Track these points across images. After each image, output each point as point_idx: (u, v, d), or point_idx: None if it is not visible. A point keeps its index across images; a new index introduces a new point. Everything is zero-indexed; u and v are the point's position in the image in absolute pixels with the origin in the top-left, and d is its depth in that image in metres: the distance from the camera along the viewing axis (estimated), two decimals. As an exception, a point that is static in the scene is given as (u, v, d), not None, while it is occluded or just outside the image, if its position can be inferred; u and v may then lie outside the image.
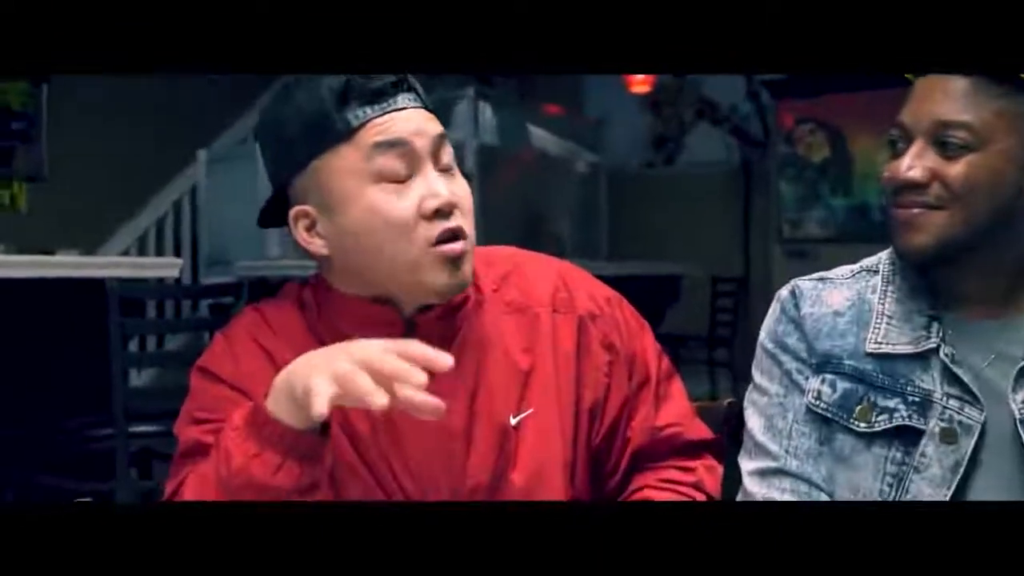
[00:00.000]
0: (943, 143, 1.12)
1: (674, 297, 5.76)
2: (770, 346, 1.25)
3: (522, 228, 5.41)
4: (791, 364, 1.22)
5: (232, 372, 1.19)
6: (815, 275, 1.27)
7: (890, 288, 1.22)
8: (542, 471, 1.21)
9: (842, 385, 1.19)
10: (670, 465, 1.27)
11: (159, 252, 5.56)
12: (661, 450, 1.28)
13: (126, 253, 5.42)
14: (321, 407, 0.97)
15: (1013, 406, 1.13)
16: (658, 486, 1.25)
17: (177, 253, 5.48)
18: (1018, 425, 1.12)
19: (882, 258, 1.25)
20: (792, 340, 1.23)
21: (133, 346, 4.68)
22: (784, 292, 1.26)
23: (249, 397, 1.11)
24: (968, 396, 1.14)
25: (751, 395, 1.26)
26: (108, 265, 3.39)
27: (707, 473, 1.28)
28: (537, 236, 5.34)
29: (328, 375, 0.98)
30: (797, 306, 1.24)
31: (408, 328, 1.19)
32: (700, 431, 1.31)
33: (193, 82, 5.15)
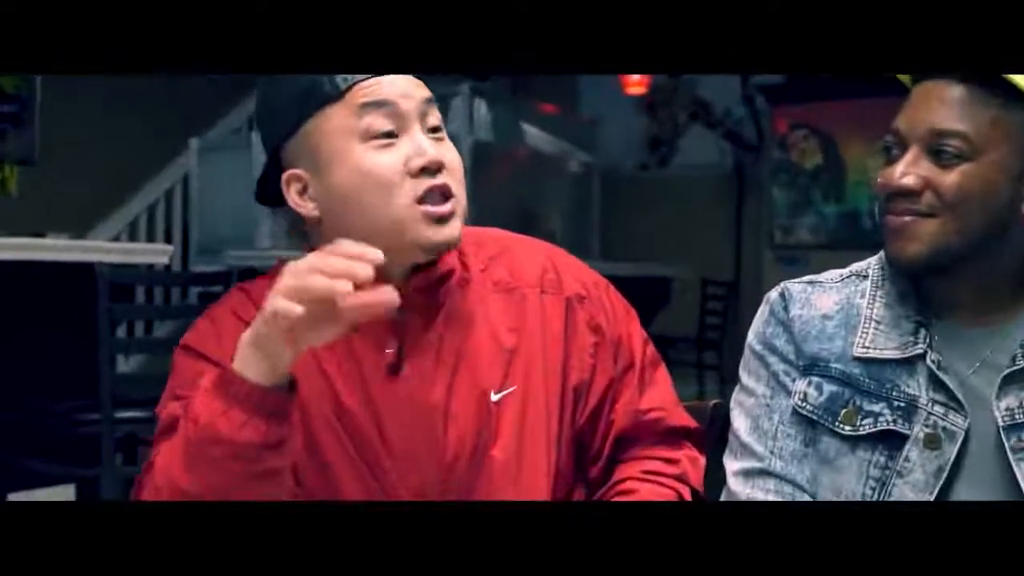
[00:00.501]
0: (937, 151, 1.12)
1: (664, 299, 5.77)
2: (758, 347, 1.25)
3: (514, 225, 5.39)
4: (778, 366, 1.23)
5: (215, 349, 1.20)
6: (804, 278, 1.28)
7: (879, 293, 1.22)
8: (523, 448, 1.22)
9: (828, 388, 1.19)
10: (654, 456, 1.28)
11: (150, 239, 5.54)
12: (644, 435, 1.29)
13: (116, 239, 5.40)
14: (292, 310, 0.97)
15: (997, 413, 1.13)
16: (642, 478, 1.26)
17: (168, 240, 5.47)
18: (1001, 432, 1.13)
19: (871, 263, 1.26)
20: (780, 342, 1.23)
21: (121, 332, 4.67)
22: (773, 294, 1.27)
23: None
24: (953, 403, 1.15)
25: (738, 396, 1.26)
26: (98, 250, 3.38)
27: (691, 465, 1.29)
28: (529, 233, 5.33)
29: (282, 295, 0.99)
30: (786, 308, 1.24)
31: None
32: (683, 418, 1.32)
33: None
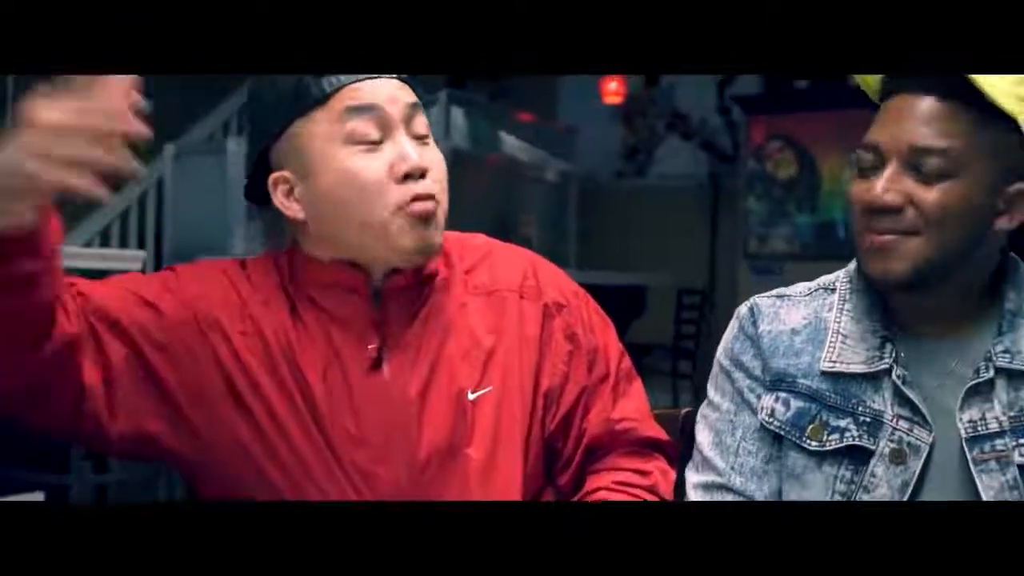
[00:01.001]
0: (918, 168, 1.12)
1: (640, 308, 5.78)
2: (725, 363, 1.26)
3: (491, 233, 5.40)
4: (743, 382, 1.23)
5: (190, 285, 1.22)
6: (774, 292, 1.28)
7: (846, 307, 1.23)
8: (497, 448, 1.22)
9: (795, 404, 1.20)
10: (625, 468, 1.29)
11: (123, 245, 5.50)
12: (616, 445, 1.29)
13: (88, 245, 5.36)
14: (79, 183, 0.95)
15: (960, 425, 1.14)
16: (613, 488, 1.26)
17: (141, 246, 5.43)
18: (964, 444, 1.13)
19: (839, 276, 1.27)
20: (747, 358, 1.24)
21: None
22: (743, 309, 1.28)
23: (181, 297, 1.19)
24: (918, 417, 1.15)
25: (704, 409, 1.27)
26: (70, 255, 3.36)
27: (661, 477, 1.29)
28: (505, 241, 5.34)
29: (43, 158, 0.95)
30: (755, 323, 1.25)
31: (375, 296, 1.22)
32: (656, 431, 1.33)
33: (162, 76, 5.10)
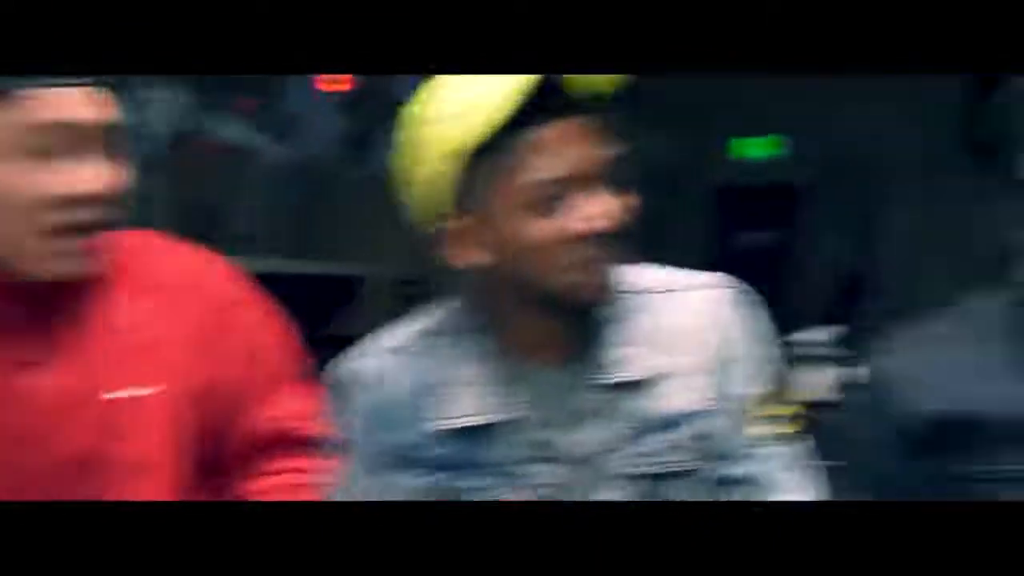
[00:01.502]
0: (611, 183, 1.09)
1: (358, 297, 5.79)
2: (350, 441, 1.18)
3: (204, 222, 5.24)
4: (373, 462, 1.16)
5: None
6: (381, 346, 1.19)
7: (456, 352, 1.15)
8: (151, 447, 1.20)
9: (431, 478, 1.13)
10: (288, 468, 1.29)
11: None
12: (280, 444, 1.30)
13: None
14: None
15: (586, 450, 1.12)
16: (279, 485, 1.27)
17: None
18: (593, 467, 1.12)
19: (441, 319, 1.20)
20: (371, 434, 1.16)
21: None
22: (356, 379, 1.18)
23: None
24: (551, 455, 1.12)
25: (341, 485, 1.20)
26: None
27: (328, 474, 1.29)
28: (221, 230, 5.19)
29: None
30: (371, 394, 1.17)
31: (26, 297, 1.15)
32: (323, 429, 1.33)
33: None
